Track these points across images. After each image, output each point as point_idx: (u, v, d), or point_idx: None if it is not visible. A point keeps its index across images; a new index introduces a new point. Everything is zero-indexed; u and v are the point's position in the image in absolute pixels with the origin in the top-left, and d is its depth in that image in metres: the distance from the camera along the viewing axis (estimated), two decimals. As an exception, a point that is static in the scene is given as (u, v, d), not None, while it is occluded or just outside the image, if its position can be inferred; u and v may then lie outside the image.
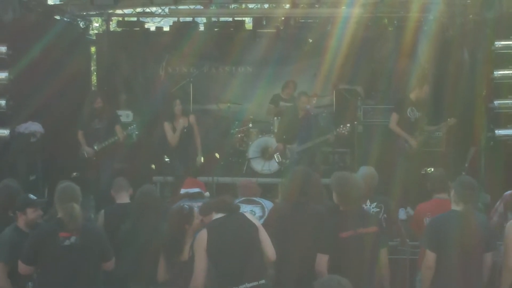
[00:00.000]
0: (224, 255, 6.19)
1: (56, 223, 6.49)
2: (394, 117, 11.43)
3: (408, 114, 11.33)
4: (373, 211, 7.43)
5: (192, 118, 11.83)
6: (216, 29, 15.34)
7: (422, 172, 12.32)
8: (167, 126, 11.62)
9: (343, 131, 11.84)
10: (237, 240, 6.24)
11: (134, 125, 12.23)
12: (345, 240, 6.36)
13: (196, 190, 8.40)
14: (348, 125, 11.96)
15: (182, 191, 8.44)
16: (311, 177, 7.35)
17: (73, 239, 6.35)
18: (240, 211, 6.57)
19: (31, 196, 7.15)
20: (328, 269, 6.36)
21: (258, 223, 6.46)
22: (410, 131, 11.31)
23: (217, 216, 6.39)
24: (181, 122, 11.56)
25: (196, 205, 7.24)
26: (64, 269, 6.37)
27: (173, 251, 6.63)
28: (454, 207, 6.71)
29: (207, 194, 8.59)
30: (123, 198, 8.02)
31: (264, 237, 6.36)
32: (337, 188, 6.60)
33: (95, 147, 11.39)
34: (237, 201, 7.53)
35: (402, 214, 10.39)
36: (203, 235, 6.25)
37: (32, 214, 6.97)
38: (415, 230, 7.93)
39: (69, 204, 6.49)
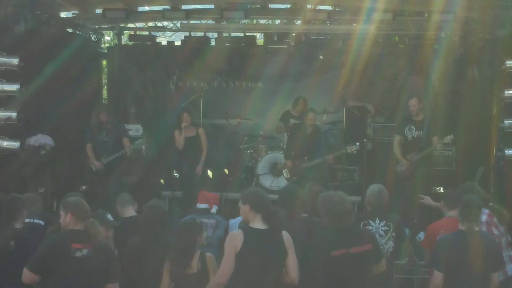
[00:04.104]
0: (247, 267, 6.16)
1: (70, 234, 6.49)
2: (395, 138, 11.61)
3: (405, 133, 11.41)
4: (382, 230, 7.40)
5: (200, 130, 12.15)
6: (227, 44, 15.39)
7: (431, 192, 12.29)
8: (176, 133, 12.01)
9: (351, 150, 11.90)
10: (265, 261, 6.20)
11: (141, 139, 12.27)
12: (336, 259, 6.33)
13: (204, 206, 8.48)
14: (358, 143, 12.00)
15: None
16: (313, 191, 7.44)
17: (85, 251, 6.34)
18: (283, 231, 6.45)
19: (109, 216, 7.21)
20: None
21: (290, 247, 6.37)
22: (407, 151, 11.37)
23: (259, 225, 6.31)
24: (187, 131, 11.93)
25: (204, 221, 7.33)
26: (71, 280, 6.34)
27: (180, 263, 6.63)
28: (460, 226, 6.71)
29: (213, 210, 8.62)
30: (129, 211, 8.08)
31: (292, 261, 6.32)
32: (322, 207, 6.61)
33: (102, 160, 11.43)
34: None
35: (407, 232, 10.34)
36: (239, 237, 6.19)
37: (103, 233, 6.93)
38: (427, 248, 7.88)
39: (91, 219, 6.52)
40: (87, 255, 6.35)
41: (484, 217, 7.30)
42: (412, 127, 11.36)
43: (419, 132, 11.32)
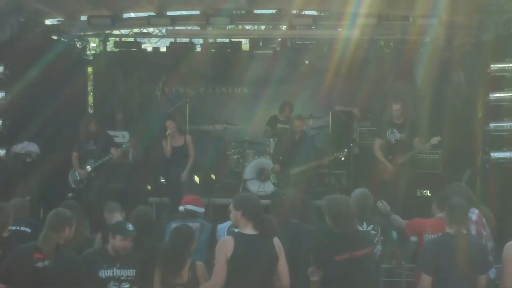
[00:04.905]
0: (238, 273, 6.17)
1: (35, 244, 6.48)
2: (376, 142, 11.70)
3: (388, 137, 11.50)
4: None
5: (188, 137, 12.10)
6: (212, 50, 15.37)
7: (417, 194, 12.34)
8: (163, 142, 12.00)
9: (339, 156, 11.98)
10: (256, 266, 6.22)
11: (128, 143, 12.30)
12: (339, 263, 6.36)
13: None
14: (346, 150, 12.07)
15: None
16: (301, 197, 7.57)
17: (46, 262, 6.32)
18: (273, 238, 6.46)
19: (129, 225, 6.99)
20: None
21: (281, 253, 6.39)
22: (391, 154, 11.45)
23: (250, 230, 6.32)
24: (174, 140, 11.90)
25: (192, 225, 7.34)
26: None
27: (171, 272, 6.60)
28: (448, 229, 6.73)
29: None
30: (117, 218, 8.04)
31: (283, 267, 6.36)
32: (328, 210, 6.64)
33: (88, 168, 11.42)
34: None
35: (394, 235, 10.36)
36: (230, 243, 6.21)
37: (119, 242, 6.84)
38: (408, 232, 7.88)
39: (45, 230, 6.50)
40: (48, 266, 6.33)
41: (474, 217, 7.34)
42: (394, 130, 11.47)
43: (401, 135, 11.44)
